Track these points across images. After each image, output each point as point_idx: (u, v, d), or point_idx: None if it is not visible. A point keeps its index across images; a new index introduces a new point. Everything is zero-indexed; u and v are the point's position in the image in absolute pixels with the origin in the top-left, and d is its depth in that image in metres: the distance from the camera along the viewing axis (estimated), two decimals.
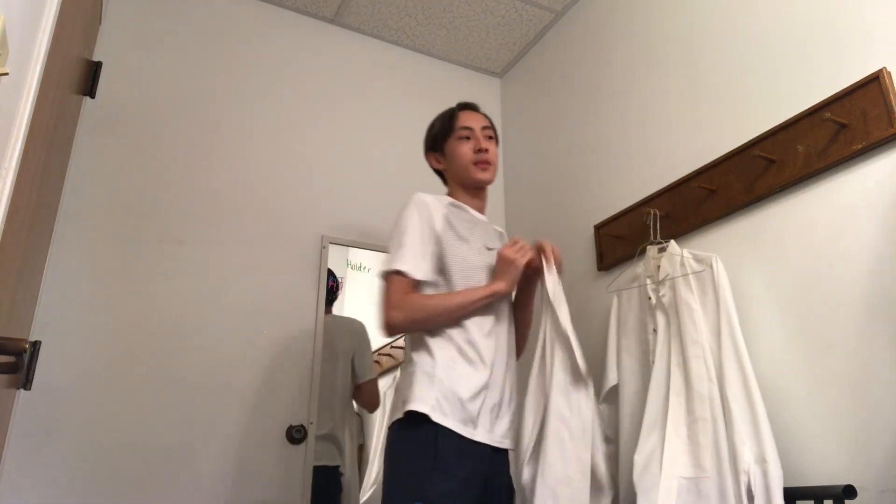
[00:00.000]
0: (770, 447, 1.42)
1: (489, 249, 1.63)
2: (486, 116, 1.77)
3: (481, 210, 1.73)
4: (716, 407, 1.52)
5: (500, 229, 1.84)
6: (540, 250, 1.61)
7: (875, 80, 1.45)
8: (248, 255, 2.20)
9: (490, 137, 1.73)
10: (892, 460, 1.32)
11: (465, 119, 1.73)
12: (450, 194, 1.73)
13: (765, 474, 1.40)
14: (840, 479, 1.38)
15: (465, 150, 1.69)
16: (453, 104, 1.79)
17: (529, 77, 2.84)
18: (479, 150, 1.68)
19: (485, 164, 1.68)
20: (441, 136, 1.74)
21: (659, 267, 1.79)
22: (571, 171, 2.44)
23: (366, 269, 2.63)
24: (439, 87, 2.86)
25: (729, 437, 1.47)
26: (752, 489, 1.40)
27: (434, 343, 1.48)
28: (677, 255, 1.74)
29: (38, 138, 1.11)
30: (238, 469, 1.98)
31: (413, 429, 1.39)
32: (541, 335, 1.58)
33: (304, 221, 2.35)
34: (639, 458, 1.60)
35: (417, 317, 1.49)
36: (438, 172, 1.78)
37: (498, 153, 1.75)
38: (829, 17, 1.61)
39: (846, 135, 1.49)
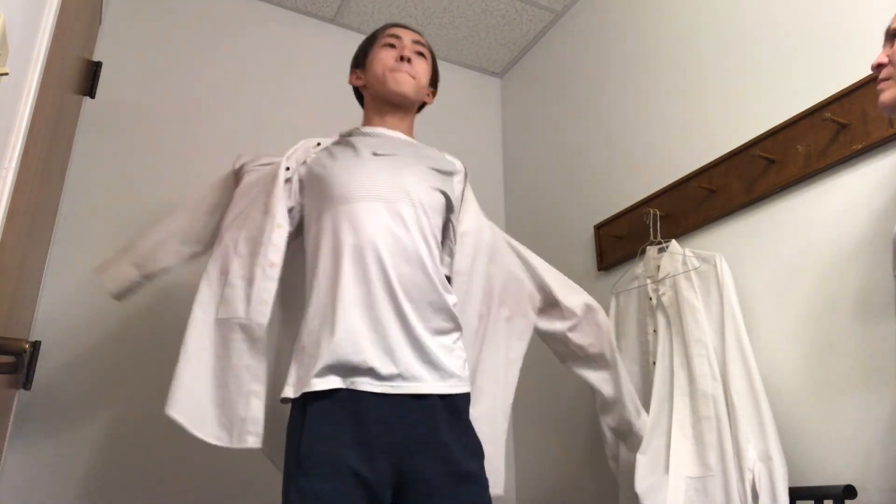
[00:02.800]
0: (775, 445, 1.43)
1: (377, 155, 1.36)
2: (422, 38, 1.54)
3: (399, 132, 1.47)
4: (720, 405, 1.52)
5: (440, 156, 1.49)
6: None
7: (875, 80, 1.45)
8: None
9: (420, 54, 1.49)
10: (893, 460, 1.32)
11: (395, 30, 1.52)
12: (364, 121, 1.51)
13: (770, 472, 1.41)
14: (840, 479, 1.38)
15: (385, 56, 1.46)
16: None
17: (529, 77, 2.84)
18: (402, 59, 1.44)
19: (404, 73, 1.43)
20: (365, 49, 1.54)
21: (659, 267, 1.79)
22: (571, 171, 2.44)
23: None
24: (439, 86, 2.85)
25: (734, 436, 1.48)
26: (757, 487, 1.41)
27: None
28: (679, 254, 1.74)
29: (38, 138, 1.11)
30: (238, 469, 1.97)
31: None
32: None
33: None
34: (642, 458, 1.60)
35: None
36: (357, 94, 1.57)
37: (426, 74, 1.51)
38: (830, 17, 1.61)
39: (846, 135, 1.49)
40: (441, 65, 2.92)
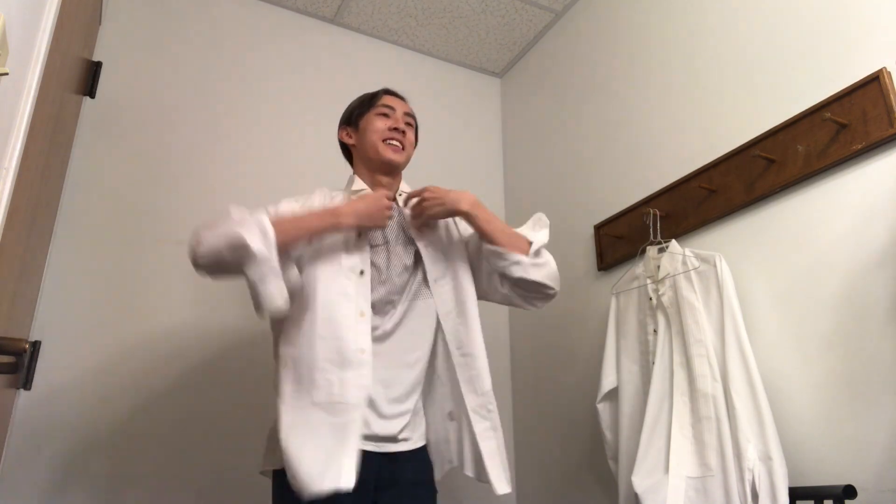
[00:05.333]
0: (775, 445, 1.43)
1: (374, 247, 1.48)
2: (411, 109, 1.66)
3: None
4: (720, 405, 1.52)
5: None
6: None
7: (875, 80, 1.45)
8: None
9: (410, 125, 1.62)
10: (892, 460, 1.32)
11: (390, 100, 1.62)
12: (353, 175, 1.62)
13: (770, 472, 1.40)
14: (840, 479, 1.38)
15: (380, 125, 1.56)
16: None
17: (529, 77, 2.84)
18: (395, 129, 1.56)
19: (397, 144, 1.56)
20: (358, 111, 1.63)
21: (659, 267, 1.79)
22: (571, 171, 2.44)
23: None
24: (439, 87, 2.85)
25: (734, 436, 1.48)
26: (757, 487, 1.41)
27: None
28: (679, 254, 1.74)
29: (38, 138, 1.11)
30: (238, 469, 1.97)
31: None
32: None
33: None
34: (641, 459, 1.60)
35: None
36: (346, 151, 1.67)
37: (414, 145, 1.63)
38: (830, 17, 1.61)
39: (846, 135, 1.49)
40: (441, 65, 2.95)
